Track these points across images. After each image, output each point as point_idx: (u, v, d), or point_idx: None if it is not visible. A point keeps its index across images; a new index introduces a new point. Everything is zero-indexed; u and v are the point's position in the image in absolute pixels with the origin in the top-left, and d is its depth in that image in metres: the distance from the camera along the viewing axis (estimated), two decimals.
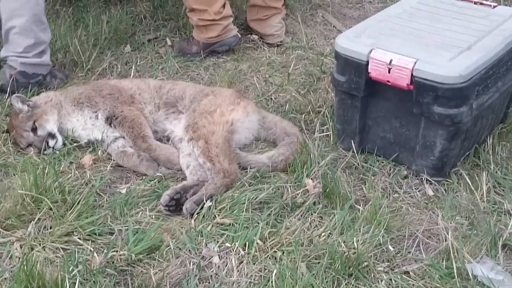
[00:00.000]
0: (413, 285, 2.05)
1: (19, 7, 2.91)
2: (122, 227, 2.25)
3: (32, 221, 2.21)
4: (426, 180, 2.49)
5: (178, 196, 2.35)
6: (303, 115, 2.90)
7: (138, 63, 3.40)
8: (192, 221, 2.28)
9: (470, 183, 2.44)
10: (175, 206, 2.35)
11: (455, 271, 2.04)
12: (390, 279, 2.06)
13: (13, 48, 2.97)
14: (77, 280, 1.96)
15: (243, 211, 2.29)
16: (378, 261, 2.13)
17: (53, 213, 2.23)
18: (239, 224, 2.24)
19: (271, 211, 2.33)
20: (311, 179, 2.48)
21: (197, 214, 2.30)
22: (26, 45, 2.95)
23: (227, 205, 2.32)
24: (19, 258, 2.04)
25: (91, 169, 2.55)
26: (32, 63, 2.98)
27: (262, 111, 2.85)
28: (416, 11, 2.75)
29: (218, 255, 2.14)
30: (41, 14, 2.99)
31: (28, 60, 2.97)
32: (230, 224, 2.26)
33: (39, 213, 2.23)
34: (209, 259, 2.14)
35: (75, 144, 2.68)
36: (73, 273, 1.98)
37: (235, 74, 3.29)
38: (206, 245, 2.18)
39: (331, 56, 3.36)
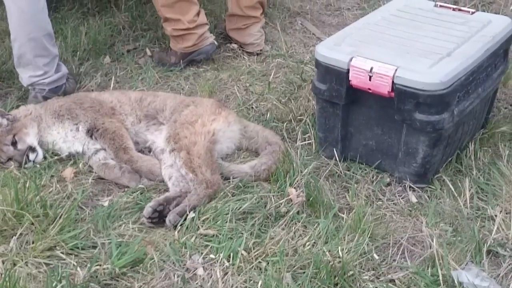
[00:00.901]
0: None
1: (32, 30, 2.90)
2: (105, 240, 2.22)
3: (14, 236, 2.17)
4: (409, 187, 2.50)
5: (161, 208, 2.33)
6: (285, 124, 2.90)
7: (118, 74, 3.38)
8: (176, 232, 2.26)
9: (453, 189, 2.45)
10: (158, 218, 2.33)
11: (440, 278, 2.04)
12: None
13: (33, 72, 2.98)
14: None
15: (226, 222, 2.28)
16: (363, 269, 2.13)
17: (35, 227, 2.20)
18: (223, 235, 2.22)
19: (255, 221, 2.31)
20: (294, 188, 2.48)
21: (180, 225, 2.28)
22: (44, 64, 2.98)
23: (210, 216, 2.31)
24: (1, 274, 2.01)
25: (72, 182, 2.52)
26: (56, 79, 3.03)
27: (243, 121, 2.84)
28: (395, 18, 2.77)
29: (203, 266, 2.13)
30: (50, 29, 2.99)
31: (52, 77, 3.02)
32: (214, 235, 2.24)
33: (21, 228, 2.20)
34: (194, 271, 2.12)
35: (56, 157, 2.65)
36: None
37: (215, 83, 3.28)
38: (190, 257, 2.16)
39: (311, 64, 3.36)
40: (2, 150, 2.59)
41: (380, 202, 2.45)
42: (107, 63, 3.47)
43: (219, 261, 2.13)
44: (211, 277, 2.09)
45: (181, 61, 3.43)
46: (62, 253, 2.14)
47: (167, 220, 2.31)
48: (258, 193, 2.45)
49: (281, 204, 2.40)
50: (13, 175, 2.49)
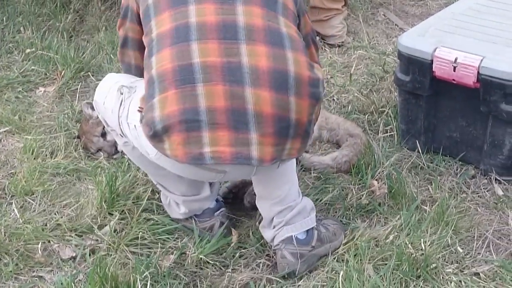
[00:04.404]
0: (483, 286, 2.01)
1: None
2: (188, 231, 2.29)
3: (105, 225, 2.28)
4: (495, 180, 2.44)
5: (236, 190, 2.39)
6: (366, 116, 2.89)
7: None
8: (257, 223, 2.30)
9: None
10: (233, 199, 2.39)
11: None
12: (460, 281, 2.03)
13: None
14: (148, 282, 2.01)
15: None
16: (446, 262, 2.10)
17: (125, 217, 2.30)
18: None
19: (336, 212, 2.33)
20: (376, 180, 2.47)
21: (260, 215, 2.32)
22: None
23: None
24: (93, 260, 2.11)
25: None
26: None
27: (324, 112, 2.85)
28: (482, 7, 2.70)
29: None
30: None
31: None
32: None
33: (113, 218, 2.30)
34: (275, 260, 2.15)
35: None
36: (145, 274, 2.03)
37: None
38: (271, 247, 2.20)
39: (393, 55, 3.32)
40: (92, 141, 2.70)
41: (465, 195, 2.41)
42: None
43: None
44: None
45: None
46: (150, 242, 2.22)
47: (245, 201, 2.35)
48: (339, 185, 2.46)
49: (363, 196, 2.40)
50: (102, 166, 2.60)
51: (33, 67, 3.26)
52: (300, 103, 1.87)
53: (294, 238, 2.09)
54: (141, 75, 2.10)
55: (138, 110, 1.95)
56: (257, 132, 1.83)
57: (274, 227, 2.12)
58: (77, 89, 3.12)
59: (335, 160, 2.57)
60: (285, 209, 2.10)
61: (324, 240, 2.15)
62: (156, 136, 1.85)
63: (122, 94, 2.08)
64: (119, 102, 2.06)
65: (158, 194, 2.40)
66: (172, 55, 1.84)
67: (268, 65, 1.84)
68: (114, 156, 2.68)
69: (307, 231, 2.12)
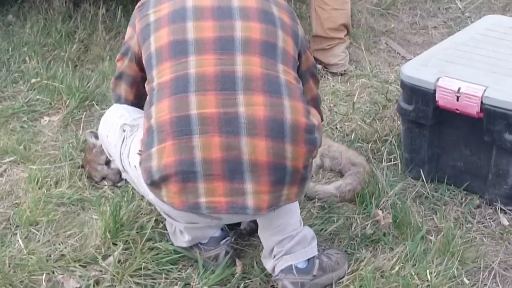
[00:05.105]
0: None
1: None
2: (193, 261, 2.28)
3: (109, 256, 2.27)
4: (500, 210, 2.44)
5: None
6: (370, 144, 2.89)
7: None
8: (260, 253, 2.29)
9: None
10: (231, 225, 2.37)
11: None
12: None
13: None
14: None
15: None
16: None
17: (129, 247, 2.29)
18: None
19: (341, 242, 2.32)
20: (381, 209, 2.47)
21: None
22: None
23: None
24: None
25: None
26: None
27: (327, 140, 2.85)
28: (483, 37, 2.72)
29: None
30: None
31: None
32: None
33: (117, 248, 2.29)
34: None
35: None
36: None
37: None
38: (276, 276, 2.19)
39: (396, 84, 3.34)
40: (97, 170, 2.71)
41: (470, 225, 2.40)
42: None
43: None
44: None
45: None
46: (154, 272, 2.21)
47: (242, 227, 2.35)
48: (344, 214, 2.45)
49: (367, 225, 2.40)
50: (107, 195, 2.60)
51: (38, 97, 3.28)
52: (297, 150, 1.90)
53: (294, 267, 2.09)
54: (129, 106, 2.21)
55: (138, 153, 1.99)
56: (252, 181, 1.86)
57: (274, 256, 2.12)
58: (81, 118, 3.13)
59: (338, 189, 2.57)
60: (285, 238, 2.10)
61: (326, 269, 2.14)
62: (154, 184, 1.91)
63: (124, 131, 2.12)
64: (121, 139, 2.11)
65: (162, 223, 2.40)
66: (171, 106, 1.89)
67: (265, 114, 1.87)
68: (119, 184, 2.69)
69: (308, 260, 2.12)
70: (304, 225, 2.17)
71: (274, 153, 1.86)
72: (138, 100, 2.24)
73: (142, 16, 2.05)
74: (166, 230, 2.36)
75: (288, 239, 2.10)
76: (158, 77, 1.95)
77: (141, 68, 2.11)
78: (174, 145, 1.86)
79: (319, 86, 2.30)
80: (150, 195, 2.00)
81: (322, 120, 2.26)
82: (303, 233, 2.13)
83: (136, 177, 2.04)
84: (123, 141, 2.10)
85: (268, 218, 2.09)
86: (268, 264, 2.16)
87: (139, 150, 1.98)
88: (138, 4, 2.12)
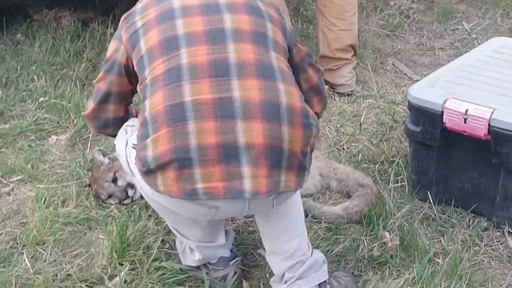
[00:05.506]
0: None
1: None
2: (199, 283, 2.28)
3: (116, 276, 2.27)
4: (508, 233, 2.43)
5: None
6: (377, 165, 2.89)
7: None
8: (267, 274, 2.28)
9: None
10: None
11: None
12: None
13: None
14: None
15: None
16: None
17: (136, 267, 2.29)
18: None
19: (347, 264, 2.31)
20: (388, 231, 2.46)
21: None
22: None
23: None
24: None
25: None
26: None
27: (332, 162, 2.85)
28: (490, 59, 2.73)
29: None
30: None
31: None
32: None
33: (123, 268, 2.29)
34: None
35: None
36: None
37: None
38: None
39: (403, 105, 3.34)
40: (104, 187, 2.71)
41: (477, 248, 2.39)
42: None
43: None
44: None
45: None
46: None
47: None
48: (351, 236, 2.45)
49: (374, 247, 2.39)
50: (113, 215, 2.60)
51: (46, 116, 3.30)
52: (293, 132, 1.88)
53: None
54: (120, 126, 2.17)
55: (133, 147, 1.98)
56: (249, 164, 1.83)
57: (285, 282, 2.10)
58: (89, 137, 3.14)
59: (346, 210, 2.56)
60: (295, 264, 2.09)
61: None
62: (149, 173, 1.87)
63: (126, 133, 2.12)
64: (125, 141, 2.10)
65: (168, 243, 2.41)
66: (164, 97, 1.87)
67: (260, 97, 1.86)
68: (125, 201, 2.69)
69: (319, 284, 2.10)
70: (312, 248, 2.16)
71: (270, 135, 1.84)
72: (127, 114, 2.24)
73: (128, 26, 2.04)
74: (173, 250, 2.36)
75: (299, 264, 2.09)
76: (151, 74, 1.93)
77: (130, 81, 2.09)
78: (169, 133, 1.84)
79: (321, 75, 2.24)
80: (146, 190, 1.97)
81: (324, 107, 2.28)
82: (314, 258, 2.12)
83: (141, 181, 2.01)
84: (126, 143, 2.08)
85: (276, 241, 2.09)
86: None
87: (133, 144, 1.97)
88: (124, 16, 2.10)
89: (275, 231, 2.09)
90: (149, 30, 1.97)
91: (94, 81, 2.17)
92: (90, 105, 2.19)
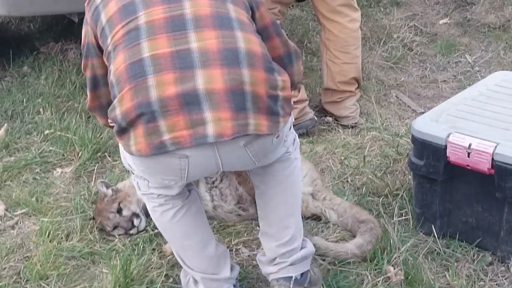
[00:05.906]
0: None
1: None
2: None
3: None
4: None
5: None
6: (381, 199, 2.88)
7: None
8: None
9: None
10: None
11: None
12: None
13: None
14: None
15: None
16: None
17: None
18: None
19: None
20: (392, 265, 2.44)
21: None
22: None
23: None
24: None
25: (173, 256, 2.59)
26: None
27: (328, 193, 2.83)
28: (493, 93, 2.74)
29: None
30: None
31: None
32: None
33: None
34: None
35: (156, 231, 2.73)
36: None
37: (310, 156, 3.32)
38: None
39: (406, 137, 3.35)
40: (109, 218, 2.72)
41: (482, 283, 2.37)
42: None
43: None
44: None
45: None
46: None
47: None
48: (355, 270, 2.43)
49: (379, 282, 2.37)
50: (117, 248, 2.60)
51: (51, 148, 3.32)
52: (255, 74, 1.91)
53: (293, 279, 2.19)
54: None
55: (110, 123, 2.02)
56: (210, 109, 1.86)
57: (275, 265, 2.20)
58: (94, 170, 3.15)
59: (361, 249, 2.52)
60: (290, 250, 2.19)
61: (313, 283, 2.26)
62: (123, 133, 1.92)
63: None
64: None
65: (172, 278, 2.40)
66: (125, 57, 1.92)
67: (218, 46, 1.90)
68: (131, 231, 2.69)
69: (302, 273, 2.22)
70: (304, 239, 2.28)
71: (230, 79, 1.87)
72: None
73: (90, 6, 2.08)
74: (177, 284, 2.35)
75: (293, 251, 2.20)
76: (112, 40, 1.98)
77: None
78: (131, 90, 1.88)
79: (291, 47, 2.20)
80: (132, 164, 2.04)
81: (300, 77, 2.32)
82: (308, 250, 2.26)
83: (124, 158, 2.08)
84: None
85: (275, 222, 2.20)
86: (265, 269, 2.26)
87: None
88: (86, 2, 2.14)
89: (274, 215, 2.19)
90: (108, 3, 2.03)
91: (82, 70, 2.22)
92: (88, 95, 2.24)
